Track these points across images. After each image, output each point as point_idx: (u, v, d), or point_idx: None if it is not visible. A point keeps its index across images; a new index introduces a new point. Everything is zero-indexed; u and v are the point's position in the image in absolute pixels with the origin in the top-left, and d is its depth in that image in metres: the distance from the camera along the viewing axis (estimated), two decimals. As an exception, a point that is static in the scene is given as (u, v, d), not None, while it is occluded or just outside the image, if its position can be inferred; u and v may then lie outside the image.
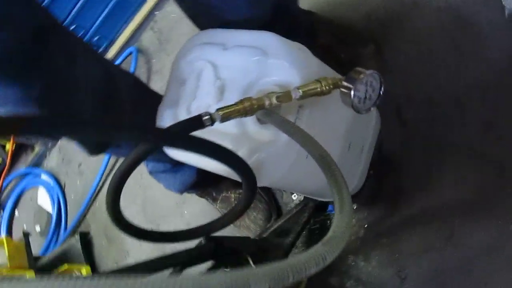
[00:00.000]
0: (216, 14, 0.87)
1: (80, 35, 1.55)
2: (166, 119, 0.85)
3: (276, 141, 0.72)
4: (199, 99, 0.81)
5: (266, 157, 0.72)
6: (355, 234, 1.00)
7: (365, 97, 0.70)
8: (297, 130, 0.64)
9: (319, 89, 0.70)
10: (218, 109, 0.67)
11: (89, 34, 1.57)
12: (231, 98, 0.75)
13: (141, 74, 1.64)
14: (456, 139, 0.93)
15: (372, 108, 0.71)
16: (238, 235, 1.17)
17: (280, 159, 0.73)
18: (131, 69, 1.62)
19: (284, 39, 0.76)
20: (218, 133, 0.74)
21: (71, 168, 1.80)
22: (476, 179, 0.87)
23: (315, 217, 1.07)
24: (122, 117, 0.91)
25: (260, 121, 0.73)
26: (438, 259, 0.87)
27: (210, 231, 0.75)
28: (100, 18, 1.55)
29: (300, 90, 0.69)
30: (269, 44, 0.74)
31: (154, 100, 0.90)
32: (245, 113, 0.68)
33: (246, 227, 1.15)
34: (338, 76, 0.72)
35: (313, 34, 1.08)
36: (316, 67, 0.75)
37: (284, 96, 0.68)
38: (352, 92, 0.68)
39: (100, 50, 1.64)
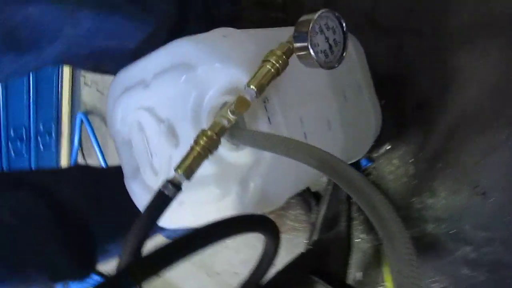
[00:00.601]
0: (115, 51, 0.70)
1: (23, 134, 1.40)
2: (136, 191, 0.71)
3: (262, 159, 0.56)
4: (156, 153, 0.66)
5: (263, 180, 0.57)
6: (406, 175, 0.85)
7: (330, 46, 0.53)
8: (275, 141, 0.48)
9: (272, 70, 0.53)
10: (176, 168, 0.52)
11: (31, 129, 1.42)
12: (185, 134, 0.60)
13: (103, 135, 1.48)
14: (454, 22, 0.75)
15: (344, 53, 0.54)
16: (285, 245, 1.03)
17: (279, 173, 0.58)
18: (90, 135, 1.47)
19: (199, 37, 0.58)
20: (197, 182, 0.58)
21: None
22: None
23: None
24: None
25: (232, 143, 0.57)
26: (509, 153, 0.71)
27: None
28: (31, 107, 1.40)
29: (252, 86, 0.52)
30: (186, 52, 0.57)
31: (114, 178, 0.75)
32: (208, 151, 0.53)
33: (292, 229, 1.01)
34: (286, 36, 0.55)
35: None
36: (253, 45, 0.57)
37: (239, 104, 0.52)
38: (310, 51, 0.51)
39: (52, 134, 1.49)
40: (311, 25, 0.50)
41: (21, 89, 1.31)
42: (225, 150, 0.57)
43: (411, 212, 0.85)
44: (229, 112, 0.53)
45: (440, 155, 0.80)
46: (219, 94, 0.56)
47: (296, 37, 0.52)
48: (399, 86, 0.83)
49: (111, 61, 0.72)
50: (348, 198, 0.87)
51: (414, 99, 0.82)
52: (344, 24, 0.54)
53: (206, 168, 0.58)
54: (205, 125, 0.59)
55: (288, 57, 0.54)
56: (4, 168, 1.41)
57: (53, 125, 1.49)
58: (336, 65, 0.53)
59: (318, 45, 0.52)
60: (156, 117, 0.63)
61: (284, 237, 1.07)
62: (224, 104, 0.56)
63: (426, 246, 0.85)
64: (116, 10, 0.64)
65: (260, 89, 0.53)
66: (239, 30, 0.60)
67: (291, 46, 0.53)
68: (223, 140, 0.54)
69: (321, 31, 0.52)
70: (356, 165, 0.88)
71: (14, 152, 1.41)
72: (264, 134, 0.50)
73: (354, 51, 0.76)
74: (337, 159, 0.42)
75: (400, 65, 0.82)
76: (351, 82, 0.74)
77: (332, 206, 0.85)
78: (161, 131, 0.63)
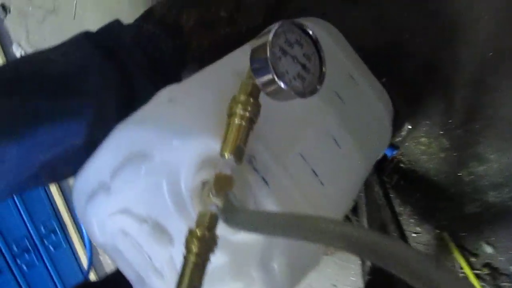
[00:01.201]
0: (64, 155, 0.58)
1: (27, 244, 1.30)
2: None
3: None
4: (153, 256, 0.54)
5: (287, 255, 0.44)
6: (441, 149, 0.71)
7: (303, 65, 0.40)
8: (282, 222, 0.35)
9: (244, 123, 0.40)
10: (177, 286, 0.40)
11: (33, 236, 1.32)
12: (175, 227, 0.48)
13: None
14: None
15: (324, 67, 0.41)
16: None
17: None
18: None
19: (141, 114, 0.46)
20: (212, 279, 0.46)
21: None
22: None
23: (386, 176, 0.78)
24: None
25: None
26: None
27: None
28: (23, 215, 1.30)
29: (227, 154, 0.40)
30: (134, 140, 0.45)
31: None
32: (205, 256, 0.40)
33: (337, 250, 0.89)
34: (243, 61, 0.42)
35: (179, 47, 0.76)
36: (209, 97, 0.45)
37: (219, 184, 0.40)
38: (280, 84, 0.38)
39: (57, 230, 1.39)
40: (268, 52, 0.37)
41: (5, 203, 1.21)
42: (228, 233, 0.45)
43: (464, 187, 0.72)
44: (211, 196, 0.40)
45: (473, 115, 0.66)
46: (192, 174, 0.44)
47: (256, 71, 0.39)
48: (395, 56, 0.69)
49: (65, 165, 0.60)
50: (386, 196, 0.74)
51: (417, 65, 0.68)
52: (309, 31, 0.41)
53: (216, 258, 0.45)
54: (192, 211, 0.46)
55: (257, 98, 0.42)
56: (23, 286, 1.31)
57: (53, 222, 1.38)
58: (319, 87, 0.40)
59: (288, 72, 0.39)
60: (135, 217, 0.51)
61: (331, 259, 0.95)
62: (204, 185, 0.43)
63: (495, 217, 0.71)
64: (39, 123, 0.52)
65: (238, 153, 0.40)
66: (186, 83, 0.48)
67: (253, 82, 0.41)
68: (221, 224, 0.42)
69: (284, 52, 0.39)
70: (382, 159, 0.75)
71: (26, 266, 1.31)
72: (265, 214, 0.37)
73: (330, 39, 0.63)
74: (370, 233, 0.30)
75: (387, 33, 0.68)
76: (340, 76, 0.61)
77: (374, 216, 0.72)
78: (147, 232, 0.50)
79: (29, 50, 1.11)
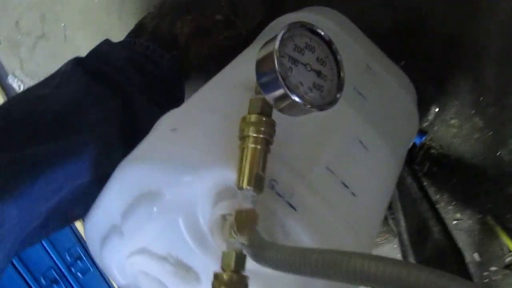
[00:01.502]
0: (72, 197, 0.54)
1: (55, 274, 1.28)
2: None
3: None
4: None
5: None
6: (475, 130, 0.65)
7: (318, 72, 0.34)
8: (314, 261, 0.30)
9: (259, 146, 0.35)
10: None
11: (59, 265, 1.30)
12: (200, 263, 0.44)
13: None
14: None
15: (342, 72, 0.35)
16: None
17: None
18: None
19: (142, 150, 0.41)
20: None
21: None
22: None
23: (418, 165, 0.72)
24: None
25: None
26: None
27: None
28: (46, 246, 1.27)
29: (245, 186, 0.35)
30: (140, 179, 0.40)
31: None
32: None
33: (374, 245, 0.83)
34: (249, 69, 0.36)
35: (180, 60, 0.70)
36: (215, 119, 0.40)
37: (240, 223, 0.35)
38: (294, 98, 0.32)
39: (82, 256, 1.36)
40: (276, 63, 0.32)
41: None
42: (259, 268, 0.40)
43: (504, 167, 0.66)
44: (233, 234, 0.35)
45: (507, 90, 0.60)
46: (209, 209, 0.39)
47: (265, 86, 0.34)
48: (413, 36, 0.63)
49: (75, 207, 0.56)
50: (421, 187, 0.68)
51: (439, 41, 0.62)
52: (319, 31, 0.35)
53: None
54: (215, 245, 0.41)
55: (269, 115, 0.36)
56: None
57: (78, 248, 1.36)
58: (339, 95, 0.34)
59: (301, 84, 0.33)
60: (155, 257, 0.47)
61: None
62: (223, 220, 0.38)
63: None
64: (39, 171, 0.47)
65: (258, 182, 0.35)
66: (188, 105, 0.43)
67: (265, 99, 0.35)
68: (250, 260, 0.37)
69: (294, 61, 0.33)
70: (410, 148, 0.69)
71: (56, 297, 1.29)
72: (298, 251, 0.32)
73: (339, 28, 0.57)
74: (431, 274, 0.24)
75: (401, 12, 0.62)
76: (356, 69, 0.55)
77: (410, 211, 0.66)
78: (170, 271, 0.46)
79: (25, 79, 1.07)
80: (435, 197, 0.74)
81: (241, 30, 0.67)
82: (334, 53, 0.35)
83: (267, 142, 0.36)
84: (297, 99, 0.32)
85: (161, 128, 0.42)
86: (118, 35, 0.83)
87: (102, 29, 0.86)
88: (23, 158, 0.45)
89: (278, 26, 0.61)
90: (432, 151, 0.70)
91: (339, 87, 0.35)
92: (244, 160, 0.35)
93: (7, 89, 1.12)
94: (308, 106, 0.33)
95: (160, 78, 0.65)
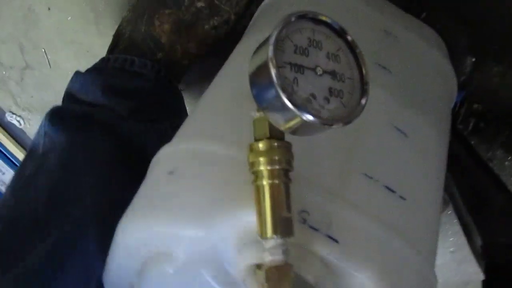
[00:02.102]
0: None
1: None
2: None
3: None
4: None
5: None
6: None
7: (333, 76, 0.26)
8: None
9: (276, 180, 0.28)
10: None
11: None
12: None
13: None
14: None
15: (366, 72, 0.27)
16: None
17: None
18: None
19: (137, 206, 0.34)
20: None
21: None
22: None
23: (461, 124, 0.63)
24: None
25: None
26: None
27: None
28: None
29: (269, 234, 0.27)
30: (144, 242, 0.33)
31: None
32: None
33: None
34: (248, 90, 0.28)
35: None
36: (221, 151, 0.32)
37: (272, 277, 0.27)
38: (304, 117, 0.24)
39: None
40: (274, 79, 0.24)
41: None
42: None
43: None
44: (263, 278, 0.28)
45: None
46: (234, 258, 0.32)
47: (266, 109, 0.26)
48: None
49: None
50: (470, 153, 0.59)
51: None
52: (321, 17, 0.27)
53: None
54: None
55: (282, 137, 0.28)
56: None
57: None
58: (364, 99, 0.26)
59: (314, 96, 0.25)
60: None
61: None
62: (256, 269, 0.31)
63: None
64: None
65: (285, 226, 0.27)
66: (183, 136, 0.35)
67: (268, 126, 0.27)
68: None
69: (299, 68, 0.25)
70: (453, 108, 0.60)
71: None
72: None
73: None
74: None
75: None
76: (375, 38, 0.46)
77: (462, 182, 0.58)
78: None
79: (23, 113, 1.01)
80: (487, 154, 0.65)
81: (229, 15, 0.58)
82: (346, 40, 0.27)
83: (285, 172, 0.28)
84: (311, 118, 0.24)
85: (156, 171, 0.35)
86: (101, 50, 0.75)
87: (84, 46, 0.78)
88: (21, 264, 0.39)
89: (272, 6, 0.52)
90: (475, 106, 0.61)
91: (364, 86, 0.26)
92: (261, 202, 0.28)
93: (8, 127, 1.08)
94: (329, 122, 0.25)
95: (147, 91, 0.57)
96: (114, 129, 0.50)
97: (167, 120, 0.56)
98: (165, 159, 0.34)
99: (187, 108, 0.67)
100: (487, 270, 0.50)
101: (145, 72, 0.57)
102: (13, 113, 1.03)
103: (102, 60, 0.59)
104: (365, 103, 0.26)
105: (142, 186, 0.35)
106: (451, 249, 0.85)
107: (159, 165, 0.35)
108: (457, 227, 0.76)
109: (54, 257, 0.40)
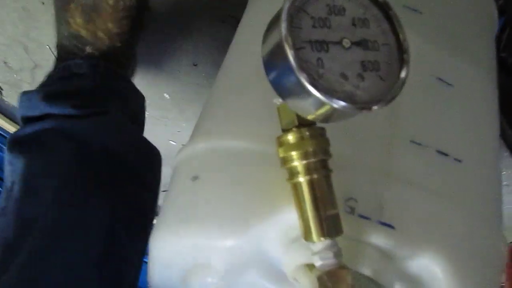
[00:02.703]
0: None
1: None
2: None
3: None
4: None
5: None
6: None
7: (365, 45, 0.22)
8: None
9: (314, 175, 0.24)
10: None
11: None
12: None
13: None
14: None
15: (404, 37, 0.22)
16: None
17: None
18: None
19: (170, 212, 0.31)
20: None
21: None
22: None
23: (503, 51, 0.57)
24: None
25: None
26: None
27: None
28: None
29: (316, 238, 0.24)
30: (180, 253, 0.31)
31: None
32: None
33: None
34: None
35: None
36: (247, 164, 0.28)
37: (326, 282, 0.24)
38: (335, 105, 0.20)
39: None
40: (294, 66, 0.20)
41: None
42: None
43: None
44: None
45: None
46: (282, 258, 0.29)
47: (290, 100, 0.22)
48: None
49: None
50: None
51: None
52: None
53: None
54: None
55: (313, 123, 0.24)
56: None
57: None
58: (405, 71, 0.22)
59: (345, 76, 0.21)
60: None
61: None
62: (302, 271, 0.28)
63: None
64: None
65: (332, 226, 0.24)
66: (201, 134, 0.31)
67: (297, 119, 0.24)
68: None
69: (322, 44, 0.21)
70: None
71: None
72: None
73: None
74: None
75: None
76: None
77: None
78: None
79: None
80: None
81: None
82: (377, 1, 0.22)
83: (323, 163, 0.24)
84: (344, 104, 0.20)
85: (179, 177, 0.31)
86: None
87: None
88: None
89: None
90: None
91: (402, 53, 0.22)
92: (301, 202, 0.24)
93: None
94: (367, 106, 0.20)
95: (88, 87, 0.54)
96: (66, 135, 0.48)
97: (118, 110, 0.54)
98: (185, 163, 0.31)
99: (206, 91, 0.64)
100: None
101: (82, 71, 0.55)
102: (33, 115, 1.01)
103: (47, 76, 0.58)
104: (406, 75, 0.21)
105: (167, 195, 0.32)
106: (505, 183, 0.80)
107: (181, 171, 0.31)
108: (508, 162, 0.71)
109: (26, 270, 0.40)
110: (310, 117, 0.22)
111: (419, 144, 0.31)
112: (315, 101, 0.20)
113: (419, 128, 0.31)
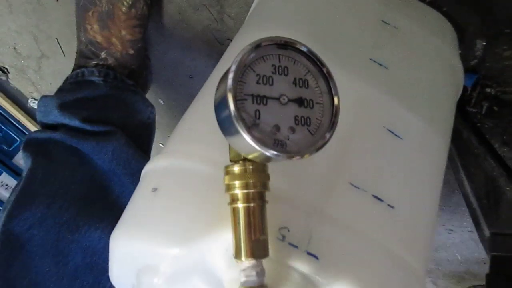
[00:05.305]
0: None
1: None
2: None
3: None
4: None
5: None
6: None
7: (300, 103, 0.26)
8: None
9: (251, 204, 0.28)
10: None
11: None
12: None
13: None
14: None
15: (335, 90, 0.26)
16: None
17: None
18: None
19: (129, 218, 0.35)
20: None
21: None
22: None
23: (472, 106, 0.61)
24: None
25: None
26: None
27: None
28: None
29: (243, 257, 0.28)
30: (131, 254, 0.34)
31: None
32: None
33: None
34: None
35: None
36: (200, 183, 0.32)
37: None
38: (267, 152, 0.24)
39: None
40: (232, 114, 0.24)
41: None
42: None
43: None
44: None
45: None
46: (222, 270, 0.33)
47: (231, 140, 0.26)
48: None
49: None
50: (481, 140, 0.57)
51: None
52: (297, 44, 0.26)
53: None
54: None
55: (259, 165, 0.28)
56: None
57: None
58: (328, 134, 0.26)
59: (278, 128, 0.25)
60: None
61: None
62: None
63: None
64: None
65: (258, 250, 0.28)
66: (169, 153, 0.35)
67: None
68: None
69: (261, 99, 0.25)
70: (463, 92, 0.57)
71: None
72: None
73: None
74: None
75: None
76: (369, 30, 0.44)
77: (473, 171, 0.56)
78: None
79: (44, 100, 1.04)
80: (503, 138, 0.63)
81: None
82: (314, 60, 0.26)
83: (261, 195, 0.28)
84: (274, 152, 0.24)
85: (142, 186, 0.35)
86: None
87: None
88: None
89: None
90: (488, 89, 0.58)
91: (333, 114, 0.26)
92: (237, 225, 0.28)
93: (31, 112, 1.11)
94: (293, 155, 0.24)
95: (97, 97, 0.59)
96: (71, 152, 0.53)
97: (124, 125, 0.58)
98: (150, 174, 0.35)
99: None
100: (492, 264, 0.49)
101: (94, 79, 0.60)
102: (35, 99, 1.06)
103: (64, 80, 0.62)
104: (331, 135, 0.25)
105: (131, 200, 0.36)
106: (469, 229, 0.84)
107: (145, 180, 0.35)
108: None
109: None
110: (249, 157, 0.26)
111: (357, 187, 0.35)
112: (249, 146, 0.24)
113: (361, 172, 0.35)
